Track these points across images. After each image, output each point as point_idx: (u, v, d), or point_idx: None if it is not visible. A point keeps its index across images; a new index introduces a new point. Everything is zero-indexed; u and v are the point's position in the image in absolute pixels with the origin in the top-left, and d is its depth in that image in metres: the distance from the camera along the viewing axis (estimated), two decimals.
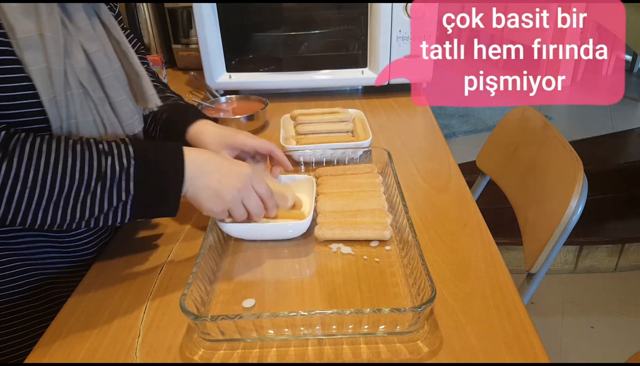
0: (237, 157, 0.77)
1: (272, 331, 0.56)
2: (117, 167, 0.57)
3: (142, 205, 0.60)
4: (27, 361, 0.56)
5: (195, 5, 1.20)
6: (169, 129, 0.79)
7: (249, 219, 0.68)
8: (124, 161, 0.57)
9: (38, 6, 0.57)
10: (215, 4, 1.21)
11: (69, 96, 0.60)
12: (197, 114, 0.80)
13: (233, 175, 0.63)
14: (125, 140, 0.60)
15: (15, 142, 0.53)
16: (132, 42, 0.76)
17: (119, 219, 0.59)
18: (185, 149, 0.61)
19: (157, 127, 0.80)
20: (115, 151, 0.58)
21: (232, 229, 0.72)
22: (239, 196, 0.63)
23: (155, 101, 0.71)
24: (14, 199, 0.52)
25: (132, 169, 0.57)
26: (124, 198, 0.58)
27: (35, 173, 0.53)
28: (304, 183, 0.83)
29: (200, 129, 0.77)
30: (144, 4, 1.59)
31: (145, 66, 0.83)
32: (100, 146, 0.58)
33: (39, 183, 0.53)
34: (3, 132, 0.53)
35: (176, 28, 1.59)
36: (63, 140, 0.56)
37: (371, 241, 0.72)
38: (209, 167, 0.62)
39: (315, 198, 0.79)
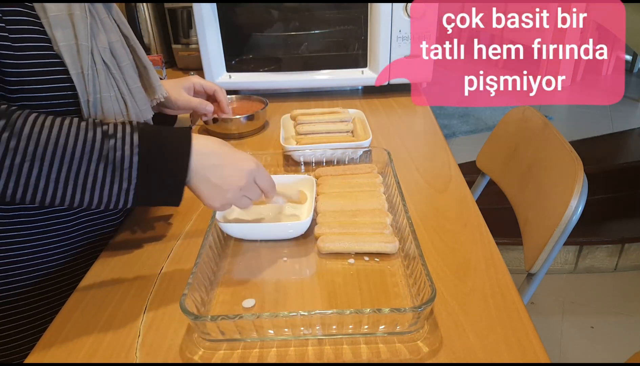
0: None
1: (272, 331, 0.56)
2: (120, 153, 0.55)
3: (145, 192, 0.58)
4: (27, 361, 0.56)
5: (195, 5, 1.20)
6: None
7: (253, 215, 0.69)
8: (127, 148, 0.56)
9: None
10: (215, 4, 1.21)
11: (95, 71, 0.64)
12: None
13: (236, 171, 0.62)
14: (132, 124, 0.59)
15: (19, 114, 0.53)
16: None
17: (121, 204, 0.57)
18: (194, 137, 0.60)
19: None
20: (120, 134, 0.56)
21: (232, 229, 0.72)
22: (239, 193, 0.63)
23: (161, 91, 0.80)
24: (13, 172, 0.52)
25: (135, 158, 0.56)
26: (125, 186, 0.56)
27: (36, 146, 0.52)
28: (304, 183, 0.83)
29: None
30: (144, 4, 1.59)
31: None
32: (105, 127, 0.56)
33: (39, 157, 0.52)
34: (4, 106, 0.53)
35: (176, 28, 1.59)
36: (68, 118, 0.56)
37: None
38: (214, 160, 0.61)
39: (315, 198, 0.79)
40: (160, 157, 0.57)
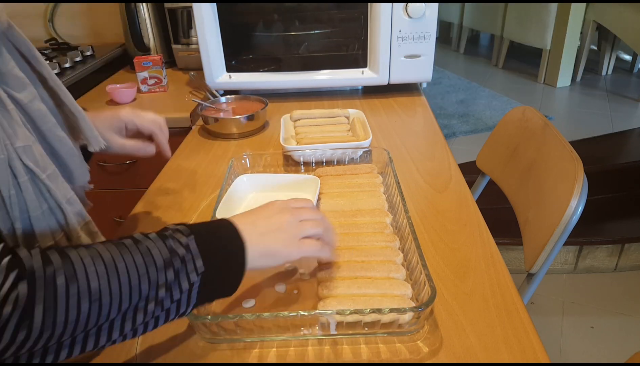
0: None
1: (272, 331, 0.56)
2: (182, 247, 0.48)
3: (212, 280, 0.50)
4: None
5: (195, 5, 1.20)
6: None
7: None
8: (183, 240, 0.48)
9: None
10: (215, 4, 1.21)
11: (18, 188, 0.48)
12: None
13: (269, 210, 0.57)
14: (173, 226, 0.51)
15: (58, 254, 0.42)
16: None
17: (182, 308, 0.49)
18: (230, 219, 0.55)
19: None
20: (170, 232, 0.49)
21: None
22: (294, 220, 0.56)
23: (99, 143, 0.64)
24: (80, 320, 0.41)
25: (193, 244, 0.48)
26: (194, 278, 0.48)
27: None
28: (308, 183, 0.83)
29: None
30: (144, 4, 1.59)
31: None
32: (151, 234, 0.49)
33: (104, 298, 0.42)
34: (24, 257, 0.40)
35: (176, 28, 1.59)
36: (107, 242, 0.46)
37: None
38: (251, 218, 0.56)
39: (318, 198, 0.79)
40: (215, 236, 0.52)
